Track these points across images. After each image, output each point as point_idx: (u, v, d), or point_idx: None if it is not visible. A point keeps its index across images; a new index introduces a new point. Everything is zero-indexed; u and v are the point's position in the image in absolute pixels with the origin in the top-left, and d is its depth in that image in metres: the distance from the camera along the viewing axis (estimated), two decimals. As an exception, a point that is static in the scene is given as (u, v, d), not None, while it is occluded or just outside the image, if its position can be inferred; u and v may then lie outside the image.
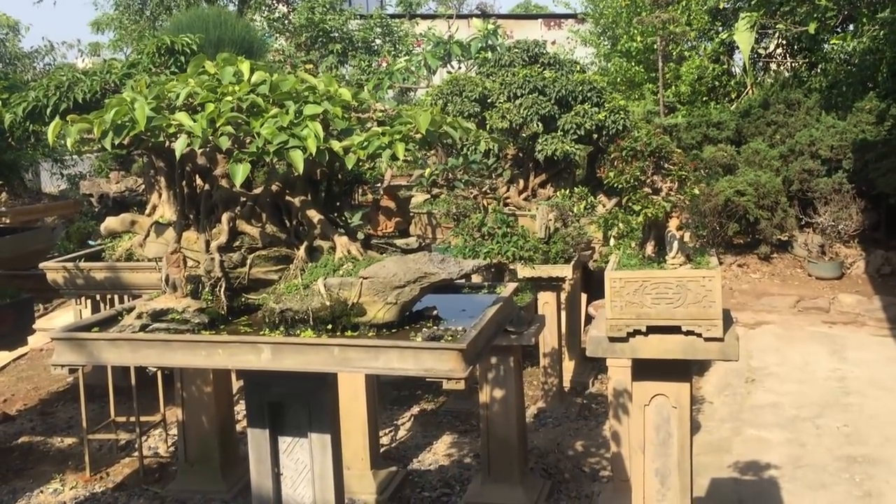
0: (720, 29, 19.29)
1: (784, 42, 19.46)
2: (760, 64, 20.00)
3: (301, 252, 3.93)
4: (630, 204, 3.82)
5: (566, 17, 26.44)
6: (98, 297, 6.71)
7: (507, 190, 10.40)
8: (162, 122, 3.52)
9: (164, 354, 3.62)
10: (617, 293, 3.78)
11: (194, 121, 3.50)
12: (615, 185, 3.94)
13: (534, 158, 10.11)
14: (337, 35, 21.94)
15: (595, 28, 21.83)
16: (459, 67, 22.12)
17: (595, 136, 9.99)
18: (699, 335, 3.72)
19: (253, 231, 3.99)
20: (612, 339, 3.86)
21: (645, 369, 3.98)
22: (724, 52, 19.46)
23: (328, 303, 3.63)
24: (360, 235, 4.15)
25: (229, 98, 3.66)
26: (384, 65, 20.41)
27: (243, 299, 4.02)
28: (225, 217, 3.95)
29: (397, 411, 8.29)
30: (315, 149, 3.49)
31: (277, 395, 4.03)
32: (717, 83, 19.07)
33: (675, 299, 3.70)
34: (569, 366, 8.94)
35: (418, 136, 3.67)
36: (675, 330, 3.77)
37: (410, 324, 3.73)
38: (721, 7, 18.77)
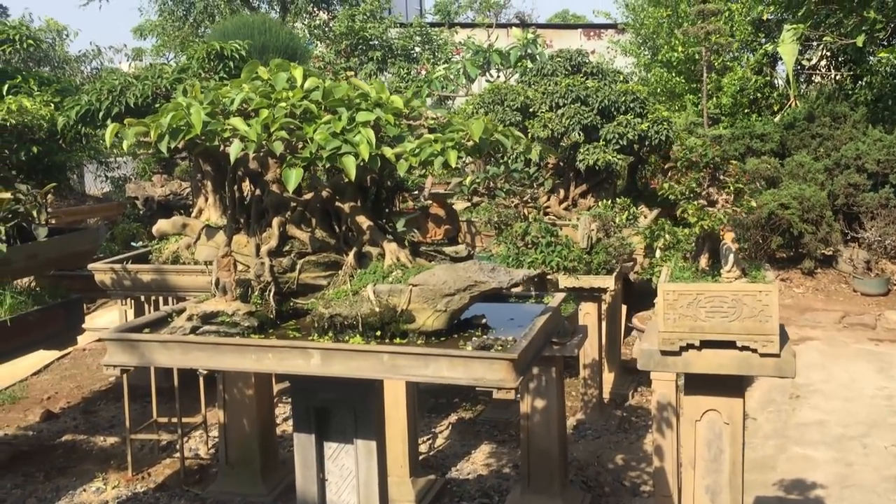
0: (763, 40, 19.09)
1: (828, 54, 19.19)
2: (804, 76, 19.74)
3: (350, 258, 3.94)
4: (685, 216, 3.76)
5: (606, 27, 26.33)
6: (143, 298, 6.80)
7: (548, 199, 10.37)
8: (217, 126, 3.55)
9: (214, 357, 3.64)
10: (670, 305, 3.73)
11: (249, 126, 3.53)
12: (668, 196, 3.88)
13: (575, 168, 10.07)
14: (377, 43, 22.08)
15: (635, 38, 21.73)
16: (498, 76, 22.17)
17: (636, 146, 9.93)
18: (754, 350, 3.66)
19: (303, 236, 4.00)
20: (665, 353, 3.81)
21: (697, 384, 3.92)
22: (767, 64, 19.24)
23: (377, 309, 3.63)
24: (407, 242, 4.15)
25: (283, 104, 3.69)
26: (423, 72, 20.51)
27: (292, 304, 4.04)
28: (276, 222, 3.97)
29: (435, 419, 8.26)
30: (368, 155, 3.50)
31: (324, 400, 4.03)
32: (759, 95, 18.85)
33: (730, 313, 3.64)
34: (608, 377, 8.86)
35: (470, 143, 3.66)
36: (729, 345, 3.70)
37: (459, 332, 3.72)
38: (765, 18, 18.57)
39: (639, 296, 10.48)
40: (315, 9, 23.85)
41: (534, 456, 6.29)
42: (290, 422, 8.22)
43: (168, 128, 3.52)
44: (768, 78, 19.28)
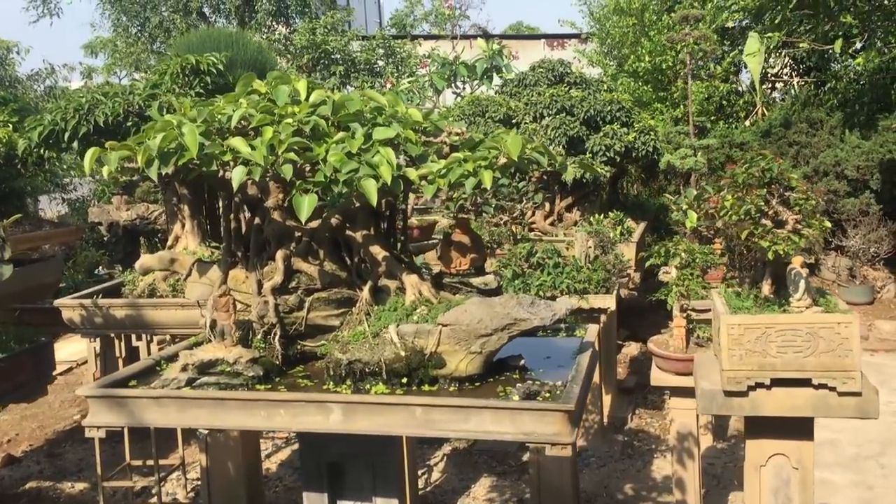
0: (727, 48, 19.02)
1: (791, 61, 19.21)
2: (767, 83, 19.73)
3: (365, 293, 3.49)
4: (755, 239, 3.38)
5: (570, 37, 26.20)
6: (112, 334, 6.25)
7: (533, 214, 10.00)
8: (215, 148, 3.09)
9: (217, 415, 3.16)
10: (736, 341, 3.34)
11: (252, 147, 3.07)
12: (731, 217, 3.50)
13: (560, 181, 9.72)
14: (339, 56, 21.61)
15: (601, 48, 21.55)
16: (464, 88, 21.81)
17: (618, 158, 9.62)
18: (833, 389, 3.29)
19: (310, 270, 3.55)
20: (729, 394, 3.42)
21: (762, 426, 3.54)
22: (732, 72, 19.20)
23: (403, 353, 3.19)
24: (428, 274, 3.72)
25: (289, 121, 3.24)
26: (388, 86, 20.07)
27: (299, 347, 3.58)
28: (280, 255, 3.51)
29: (428, 450, 7.79)
30: (390, 177, 3.06)
31: (338, 455, 3.58)
32: (724, 102, 18.79)
33: (804, 348, 3.27)
34: (606, 400, 8.48)
35: (504, 162, 3.24)
36: (803, 382, 3.33)
37: (495, 375, 3.30)
38: (729, 26, 18.53)
39: (626, 311, 10.16)
40: (274, 22, 23.32)
41: (545, 493, 5.86)
42: (275, 458, 7.70)
43: (158, 151, 3.04)
44: (734, 85, 19.23)
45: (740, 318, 3.40)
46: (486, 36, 26.60)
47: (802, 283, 3.43)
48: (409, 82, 17.05)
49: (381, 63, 22.31)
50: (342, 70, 20.86)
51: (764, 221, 3.38)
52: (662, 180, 13.20)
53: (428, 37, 27.38)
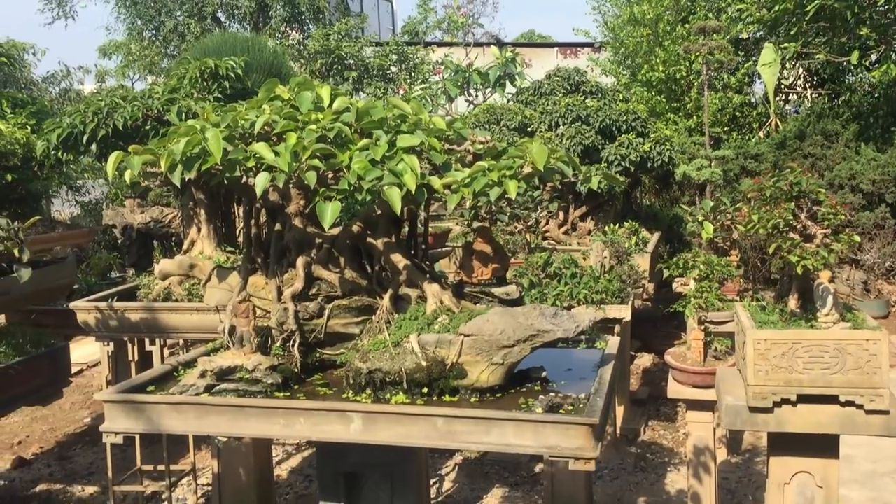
0: (741, 59, 18.97)
1: (805, 73, 19.16)
2: (780, 95, 19.66)
3: (386, 301, 3.46)
4: (784, 253, 3.34)
5: (583, 45, 26.18)
6: (126, 338, 6.23)
7: (547, 223, 9.95)
8: (239, 154, 3.07)
9: (236, 422, 3.14)
10: (762, 356, 3.29)
11: (276, 153, 3.04)
12: (758, 230, 3.46)
13: (574, 190, 9.68)
14: (352, 62, 21.63)
15: (614, 57, 21.53)
16: (477, 95, 21.78)
17: (633, 168, 9.57)
18: (860, 406, 3.24)
19: (331, 277, 3.52)
20: (754, 409, 3.37)
21: (786, 443, 3.49)
22: (746, 83, 19.15)
23: (424, 363, 3.15)
24: (449, 283, 3.69)
25: (313, 127, 3.21)
26: (401, 92, 20.07)
27: (318, 355, 3.55)
28: (300, 262, 3.48)
29: (439, 460, 7.75)
30: (414, 185, 3.04)
31: (355, 465, 3.55)
32: (738, 114, 18.74)
33: (831, 364, 3.23)
34: (618, 412, 8.42)
35: (528, 171, 3.21)
36: (829, 399, 3.28)
37: (516, 387, 3.26)
38: (744, 37, 18.48)
39: (639, 322, 10.10)
40: (288, 28, 23.37)
41: (559, 504, 5.81)
42: (285, 465, 7.67)
43: (182, 156, 3.02)
44: (748, 97, 19.17)
45: (767, 332, 3.35)
46: (500, 44, 26.63)
47: (830, 299, 3.38)
48: (421, 89, 17.03)
49: (394, 69, 22.33)
50: (355, 76, 20.89)
51: (792, 235, 3.34)
52: (676, 191, 13.14)
53: (441, 44, 27.41)
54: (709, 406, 5.17)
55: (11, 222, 4.20)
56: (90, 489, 7.29)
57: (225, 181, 3.21)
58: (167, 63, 22.30)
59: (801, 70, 19.28)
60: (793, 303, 3.54)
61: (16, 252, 4.04)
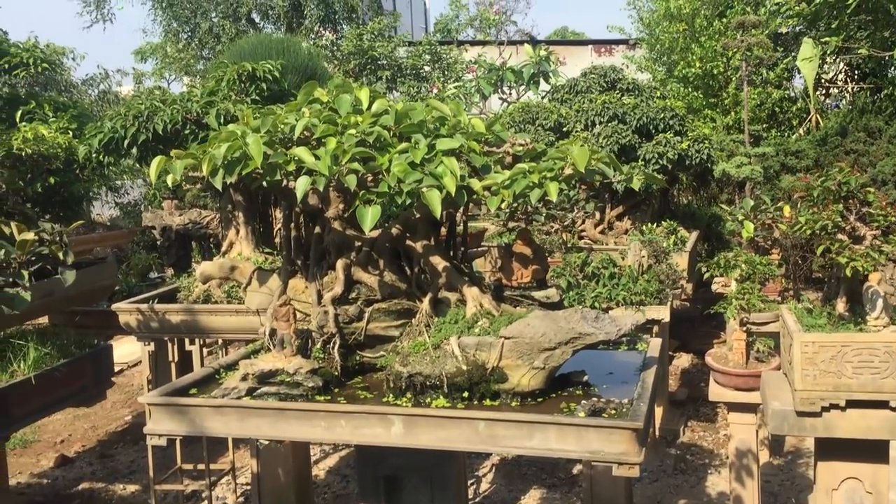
0: (780, 54, 18.67)
1: (846, 67, 18.79)
2: (821, 90, 19.31)
3: (425, 305, 3.45)
4: (833, 255, 3.27)
5: (617, 42, 25.99)
6: (166, 338, 6.30)
7: (583, 223, 9.88)
8: (280, 158, 3.08)
9: (277, 425, 3.15)
10: (809, 360, 3.23)
11: (317, 157, 3.05)
12: (805, 231, 3.39)
13: (611, 189, 9.60)
14: (385, 62, 21.66)
15: (650, 54, 21.32)
16: (511, 94, 21.67)
17: (669, 166, 9.45)
18: (912, 411, 3.17)
19: (370, 280, 3.52)
20: (802, 414, 3.31)
21: (834, 448, 3.42)
22: (785, 78, 18.84)
23: (464, 367, 3.14)
24: (489, 286, 3.67)
25: (352, 131, 3.21)
26: (434, 91, 20.07)
27: (358, 358, 3.55)
28: (340, 264, 3.49)
29: (475, 460, 7.73)
30: (454, 188, 3.02)
31: (395, 467, 3.54)
32: (777, 109, 18.44)
33: (882, 369, 3.15)
34: (657, 413, 8.33)
35: (569, 173, 3.18)
36: (879, 404, 3.21)
37: (557, 391, 3.23)
38: (783, 32, 18.17)
39: (677, 322, 9.99)
40: (322, 28, 23.47)
41: (598, 507, 5.77)
42: (322, 464, 7.71)
43: (223, 160, 3.04)
44: (787, 92, 18.86)
45: (814, 336, 3.28)
46: (533, 42, 26.53)
47: (880, 302, 3.30)
48: (455, 87, 17.00)
49: (427, 68, 22.33)
50: (388, 75, 20.92)
51: (840, 237, 3.26)
52: (715, 189, 12.97)
53: (474, 42, 27.37)
54: (751, 408, 5.08)
55: (55, 226, 4.26)
56: (131, 487, 7.39)
57: (265, 185, 3.22)
58: (203, 65, 22.52)
59: (842, 65, 18.91)
60: (841, 306, 3.46)
61: (60, 255, 4.10)
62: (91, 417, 9.20)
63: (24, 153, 5.72)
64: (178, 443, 6.71)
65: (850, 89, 19.20)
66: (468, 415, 2.96)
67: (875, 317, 3.31)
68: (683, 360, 10.18)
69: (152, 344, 6.40)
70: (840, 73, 19.57)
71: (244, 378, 3.33)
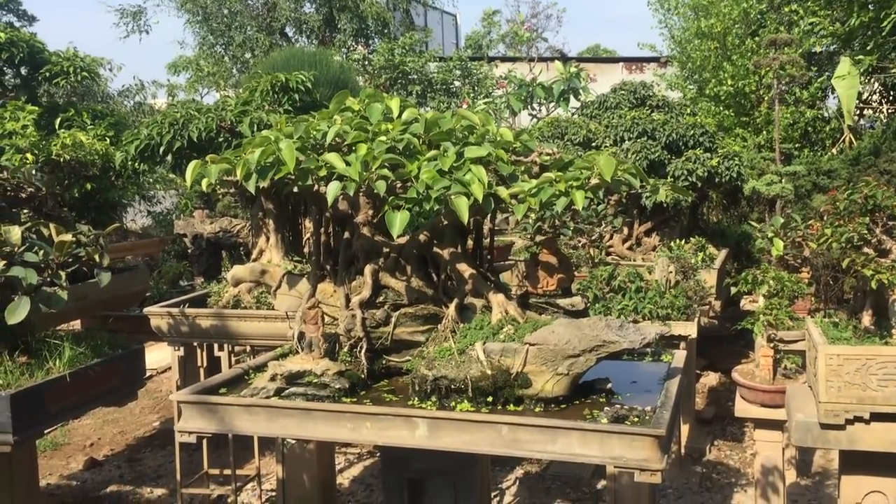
0: (814, 74, 18.56)
1: (881, 88, 18.62)
2: (856, 110, 19.14)
3: (451, 310, 3.50)
4: (857, 267, 3.27)
5: (648, 60, 25.96)
6: (196, 343, 6.40)
7: (611, 238, 9.88)
8: (312, 164, 3.15)
9: (304, 425, 3.20)
10: (834, 372, 3.23)
11: (347, 163, 3.12)
12: (831, 244, 3.40)
13: (639, 205, 9.60)
14: (416, 77, 21.82)
15: (681, 72, 21.28)
16: (540, 110, 21.69)
17: (699, 183, 9.44)
18: (937, 426, 3.16)
19: (398, 286, 3.57)
20: (825, 426, 3.30)
21: (859, 461, 3.41)
22: (819, 97, 18.70)
23: (489, 371, 3.17)
24: (515, 293, 3.71)
25: (382, 138, 3.28)
26: (464, 106, 20.17)
27: (384, 362, 3.60)
28: (368, 270, 3.55)
29: (500, 473, 7.73)
30: (481, 195, 3.07)
31: (418, 471, 3.58)
32: (810, 129, 18.30)
33: (907, 382, 3.15)
34: (684, 430, 8.28)
35: (596, 183, 3.21)
36: (905, 418, 3.21)
37: (581, 398, 3.25)
38: (817, 51, 18.07)
39: (705, 340, 9.93)
40: (354, 43, 23.72)
41: (621, 521, 5.74)
42: (347, 473, 7.75)
43: (256, 165, 3.12)
44: (820, 112, 18.73)
45: (839, 348, 3.28)
46: (564, 58, 26.61)
47: (906, 315, 3.30)
48: (484, 103, 17.10)
49: (457, 83, 22.47)
50: (419, 90, 21.08)
51: (866, 250, 3.26)
52: (745, 207, 12.91)
53: (505, 59, 27.51)
54: (778, 425, 5.06)
55: (92, 229, 4.37)
56: (158, 491, 7.48)
57: (297, 190, 3.29)
58: (237, 75, 22.79)
59: (876, 85, 18.76)
60: (866, 319, 3.45)
61: (96, 257, 4.20)
62: (120, 422, 9.33)
63: (62, 159, 5.87)
64: (205, 448, 6.83)
65: (884, 110, 19.03)
66: (492, 419, 3.00)
67: (901, 330, 3.31)
68: (711, 379, 10.12)
69: (182, 349, 6.52)
70: (875, 93, 19.41)
71: (273, 378, 3.39)
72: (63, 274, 3.93)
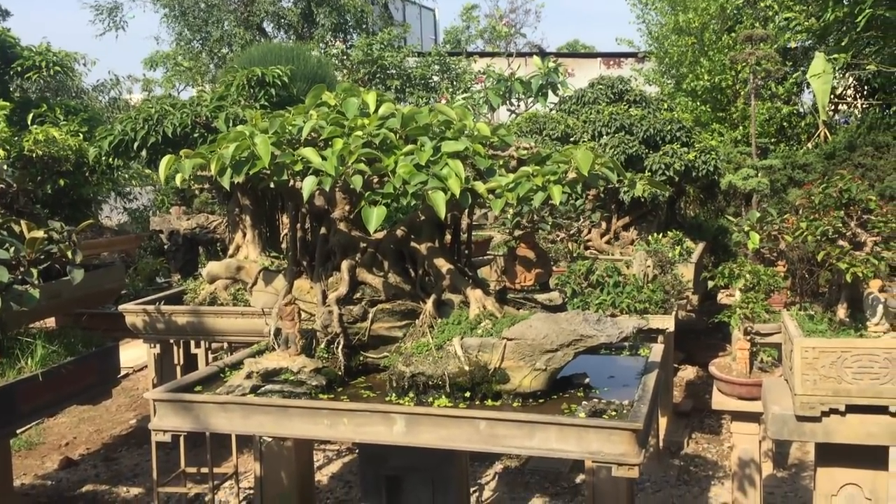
0: (790, 69, 18.70)
1: (855, 83, 18.81)
2: (830, 105, 19.32)
3: (429, 306, 3.48)
4: (833, 261, 3.29)
5: (626, 55, 26.05)
6: (172, 340, 6.34)
7: (589, 232, 9.90)
8: (287, 158, 3.12)
9: (281, 422, 3.17)
10: (809, 365, 3.25)
11: (323, 158, 3.09)
12: (806, 238, 3.42)
13: (617, 200, 9.63)
14: (395, 72, 21.76)
15: (658, 67, 21.37)
16: (519, 105, 21.71)
17: (677, 177, 9.48)
18: (911, 417, 3.18)
19: (375, 281, 3.55)
20: (801, 419, 3.32)
21: (833, 454, 3.43)
22: (794, 93, 18.86)
23: (466, 367, 3.16)
24: (493, 288, 3.70)
25: (359, 133, 3.25)
26: (443, 101, 20.07)
27: (362, 358, 3.58)
28: (345, 265, 3.52)
29: (479, 468, 7.73)
30: (458, 190, 3.06)
31: (396, 468, 3.56)
32: (785, 124, 18.45)
33: (881, 374, 3.16)
34: (661, 423, 8.32)
35: (573, 177, 3.20)
36: (879, 410, 3.22)
37: (559, 392, 3.25)
38: (792, 47, 18.20)
39: (683, 333, 9.98)
40: (333, 38, 23.60)
41: (600, 515, 5.76)
42: (326, 470, 7.72)
43: (231, 160, 3.08)
44: (796, 107, 18.88)
45: (815, 341, 3.30)
46: (542, 54, 26.64)
47: (881, 308, 3.32)
48: (463, 98, 17.06)
49: (436, 79, 22.42)
50: (398, 85, 21.02)
51: (841, 243, 3.28)
52: (721, 201, 12.99)
53: (483, 54, 27.46)
54: (754, 418, 5.09)
55: (64, 225, 4.31)
56: (135, 490, 7.41)
57: (273, 185, 3.26)
58: (214, 71, 22.62)
59: (851, 80, 18.94)
60: (842, 312, 3.48)
61: (69, 254, 4.15)
62: (96, 421, 9.23)
63: (34, 155, 5.78)
64: (181, 446, 6.78)
65: (859, 105, 19.21)
66: (469, 414, 2.99)
67: (875, 323, 3.33)
68: (689, 373, 10.18)
69: (158, 346, 6.45)
70: (849, 88, 19.60)
71: (249, 376, 3.36)
72: (35, 271, 3.87)
